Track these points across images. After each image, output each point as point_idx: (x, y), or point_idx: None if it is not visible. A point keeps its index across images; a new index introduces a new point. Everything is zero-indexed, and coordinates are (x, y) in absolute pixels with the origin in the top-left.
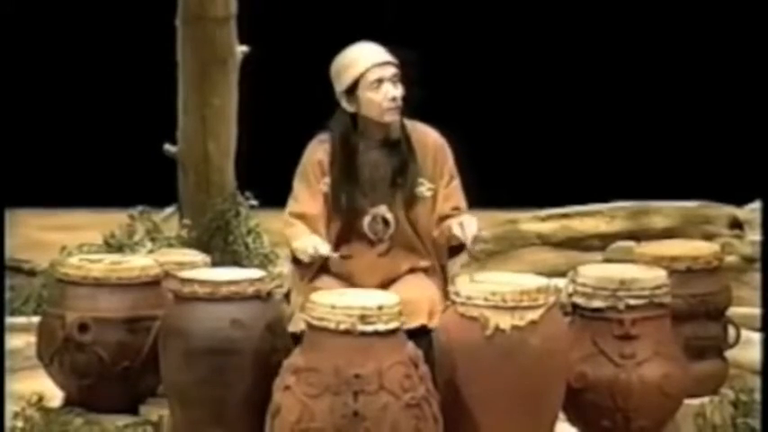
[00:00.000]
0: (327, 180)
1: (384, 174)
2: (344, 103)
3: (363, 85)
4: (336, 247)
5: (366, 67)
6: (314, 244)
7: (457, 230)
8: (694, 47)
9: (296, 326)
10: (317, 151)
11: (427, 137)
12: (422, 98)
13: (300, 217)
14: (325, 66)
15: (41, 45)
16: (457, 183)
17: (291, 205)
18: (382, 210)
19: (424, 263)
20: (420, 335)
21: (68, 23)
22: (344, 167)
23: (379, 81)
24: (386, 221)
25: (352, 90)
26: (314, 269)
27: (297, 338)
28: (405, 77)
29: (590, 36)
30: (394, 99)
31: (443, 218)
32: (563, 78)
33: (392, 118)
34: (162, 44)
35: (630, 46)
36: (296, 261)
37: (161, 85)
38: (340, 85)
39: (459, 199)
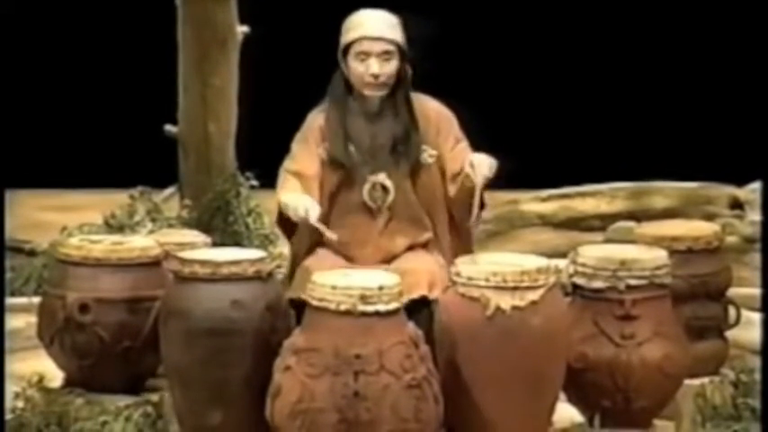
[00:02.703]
0: (326, 146)
1: (384, 141)
2: (341, 63)
3: (352, 53)
4: (329, 215)
5: (357, 36)
6: (305, 206)
7: (468, 170)
8: (694, 27)
9: (295, 292)
10: (318, 118)
11: (428, 108)
12: (425, 75)
13: (296, 174)
14: (325, 46)
15: (41, 25)
16: (464, 145)
17: (288, 163)
18: (381, 177)
19: (425, 236)
20: (420, 308)
21: (68, 3)
22: (340, 126)
23: (366, 54)
24: (385, 188)
25: (345, 53)
26: (300, 234)
27: (296, 306)
28: (412, 48)
29: (591, 17)
30: (374, 76)
31: (455, 176)
32: (564, 59)
33: (371, 93)
34: (162, 24)
35: (631, 26)
36: (280, 219)
37: (161, 65)
38: (341, 44)
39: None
